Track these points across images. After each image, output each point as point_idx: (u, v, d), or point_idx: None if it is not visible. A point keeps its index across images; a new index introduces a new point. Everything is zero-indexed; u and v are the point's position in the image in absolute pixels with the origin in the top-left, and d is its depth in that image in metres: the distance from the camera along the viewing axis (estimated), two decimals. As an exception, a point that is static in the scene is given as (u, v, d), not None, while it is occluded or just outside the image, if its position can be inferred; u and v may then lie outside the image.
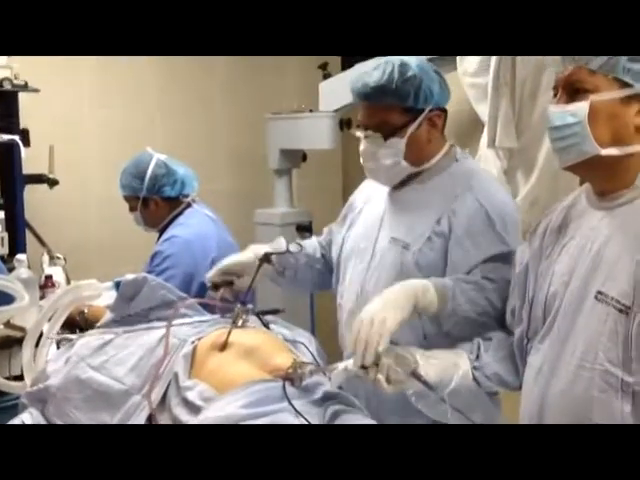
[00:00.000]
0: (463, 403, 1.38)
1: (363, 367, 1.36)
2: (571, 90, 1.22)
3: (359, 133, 1.72)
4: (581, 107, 1.19)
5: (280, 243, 1.88)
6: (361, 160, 1.74)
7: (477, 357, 1.45)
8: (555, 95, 1.26)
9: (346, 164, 4.07)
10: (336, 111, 3.24)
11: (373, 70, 1.67)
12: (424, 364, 1.37)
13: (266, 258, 1.81)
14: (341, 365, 1.39)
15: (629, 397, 1.14)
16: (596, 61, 1.18)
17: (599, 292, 1.20)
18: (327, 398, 1.47)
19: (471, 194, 1.63)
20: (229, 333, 1.60)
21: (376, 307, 1.38)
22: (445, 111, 1.73)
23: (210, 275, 1.90)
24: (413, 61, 1.68)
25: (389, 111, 1.66)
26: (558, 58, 1.27)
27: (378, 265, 1.73)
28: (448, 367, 1.39)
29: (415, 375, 1.34)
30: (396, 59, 1.67)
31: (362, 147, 1.72)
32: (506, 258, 1.55)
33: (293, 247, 1.84)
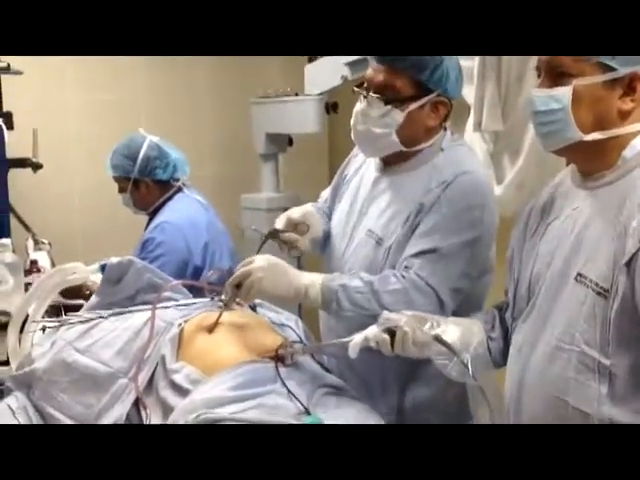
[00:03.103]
0: (475, 371, 1.38)
1: (389, 331, 1.36)
2: (554, 74, 1.21)
3: (360, 90, 1.63)
4: (565, 93, 1.19)
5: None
6: (352, 121, 1.66)
7: (492, 327, 1.45)
8: (538, 76, 1.25)
9: (333, 148, 4.06)
10: (321, 94, 3.23)
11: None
12: (445, 328, 1.37)
13: (273, 234, 1.78)
14: (359, 336, 1.39)
15: (605, 379, 1.15)
16: None
17: (579, 274, 1.20)
18: (315, 379, 1.48)
19: (442, 187, 1.58)
20: (219, 315, 1.60)
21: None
22: (451, 104, 1.65)
23: (280, 224, 1.80)
24: None
25: (400, 77, 1.58)
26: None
27: (351, 255, 1.71)
28: (466, 333, 1.39)
29: (438, 338, 1.35)
30: None
31: (358, 107, 1.64)
32: (436, 251, 1.54)
33: (302, 227, 1.79)
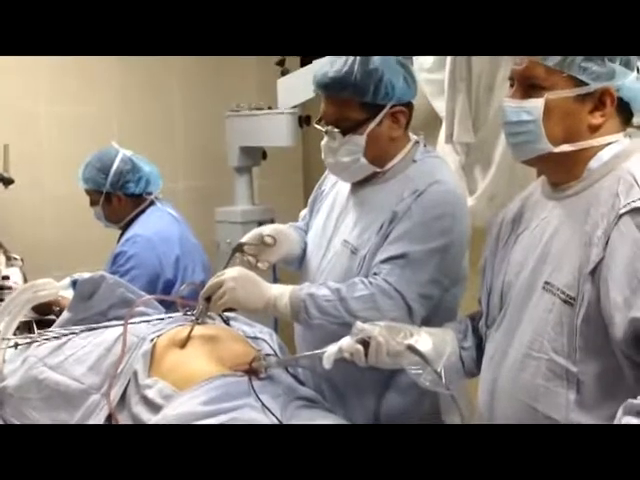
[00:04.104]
0: (448, 380, 1.39)
1: (363, 342, 1.36)
2: (527, 85, 1.23)
3: (320, 127, 1.68)
4: (536, 105, 1.21)
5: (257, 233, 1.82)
6: (322, 155, 1.71)
7: (465, 337, 1.47)
8: (511, 86, 1.27)
9: (307, 161, 4.07)
10: (295, 107, 3.24)
11: (336, 60, 1.61)
12: (418, 338, 1.38)
13: (239, 248, 1.79)
14: (333, 347, 1.39)
15: (574, 386, 1.16)
16: (553, 58, 1.20)
17: (546, 282, 1.22)
18: (289, 392, 1.48)
19: (414, 196, 1.59)
20: (191, 329, 1.59)
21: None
22: (410, 106, 1.68)
23: (246, 238, 1.80)
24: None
25: (348, 105, 1.60)
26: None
27: (327, 266, 1.72)
28: (439, 343, 1.40)
29: (411, 348, 1.35)
30: None
31: (323, 142, 1.68)
32: (404, 257, 1.55)
33: (268, 239, 1.81)
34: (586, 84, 1.19)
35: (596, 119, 1.20)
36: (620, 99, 1.20)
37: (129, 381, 1.49)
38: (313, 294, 1.56)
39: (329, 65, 1.62)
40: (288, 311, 1.57)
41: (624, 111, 1.22)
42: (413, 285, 1.56)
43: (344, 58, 1.61)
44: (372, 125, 1.62)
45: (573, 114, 1.20)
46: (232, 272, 1.59)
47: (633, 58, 1.21)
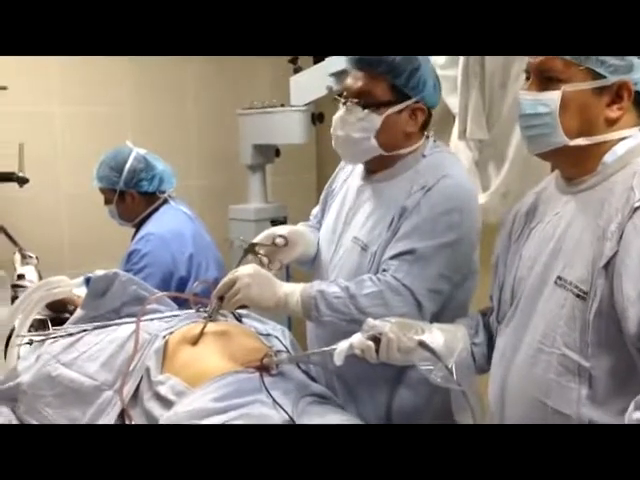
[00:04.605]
0: (459, 376, 1.39)
1: (374, 339, 1.36)
2: (543, 78, 1.22)
3: (339, 98, 1.67)
4: (553, 97, 1.20)
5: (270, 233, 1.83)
6: (332, 128, 1.68)
7: (476, 332, 1.46)
8: (527, 79, 1.26)
9: (320, 159, 4.07)
10: (307, 105, 3.24)
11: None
12: (429, 334, 1.37)
13: (251, 248, 1.79)
14: (344, 344, 1.39)
15: (585, 381, 1.16)
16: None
17: (559, 277, 1.21)
18: (300, 388, 1.48)
19: (423, 191, 1.59)
20: (204, 327, 1.60)
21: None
22: (430, 112, 1.68)
23: (259, 238, 1.81)
24: None
25: (377, 81, 1.60)
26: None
27: (338, 263, 1.72)
28: (451, 339, 1.39)
29: (423, 344, 1.35)
30: None
31: (337, 114, 1.67)
32: (413, 253, 1.55)
33: (279, 240, 1.81)
34: (603, 77, 1.18)
35: (613, 112, 1.19)
36: (638, 93, 1.19)
37: (142, 378, 1.49)
38: (323, 291, 1.56)
39: None
40: (299, 309, 1.57)
41: None
42: (422, 281, 1.55)
43: None
44: (392, 110, 1.61)
45: (590, 107, 1.19)
46: (246, 270, 1.60)
47: None
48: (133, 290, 1.79)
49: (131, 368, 1.50)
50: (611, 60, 1.17)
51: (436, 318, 1.55)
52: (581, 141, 1.20)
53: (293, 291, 1.58)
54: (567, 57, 1.19)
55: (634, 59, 1.17)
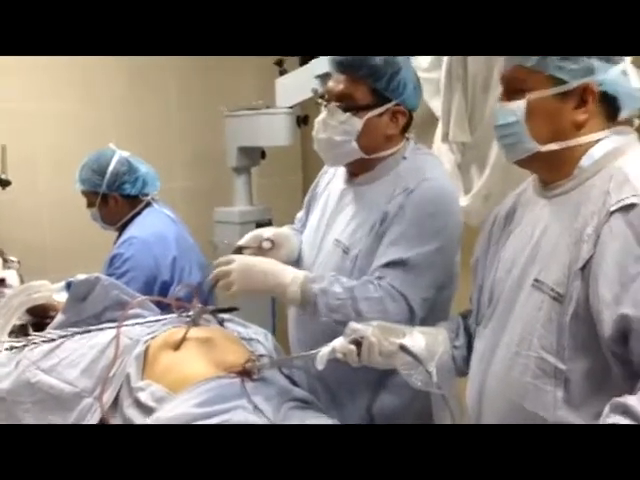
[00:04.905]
0: (440, 380, 1.39)
1: (356, 342, 1.36)
2: (511, 88, 1.25)
3: (322, 100, 1.69)
4: (519, 106, 1.23)
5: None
6: (314, 131, 1.70)
7: (457, 336, 1.47)
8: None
9: (306, 161, 4.06)
10: (293, 107, 3.24)
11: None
12: (410, 338, 1.38)
13: (238, 251, 1.79)
14: (326, 348, 1.40)
15: (561, 384, 1.17)
16: (530, 60, 1.21)
17: (536, 280, 1.22)
18: (282, 393, 1.48)
19: (405, 194, 1.60)
20: (186, 331, 1.59)
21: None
22: (411, 114, 1.69)
23: (245, 240, 1.83)
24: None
25: (358, 85, 1.62)
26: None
27: (320, 265, 1.72)
28: (432, 342, 1.40)
29: (404, 348, 1.36)
30: None
31: (319, 117, 1.68)
32: (406, 262, 1.55)
33: (266, 243, 1.81)
34: (565, 82, 1.19)
35: (580, 116, 1.21)
36: (605, 94, 1.20)
37: (122, 384, 1.48)
38: (326, 291, 1.56)
39: None
40: (297, 301, 1.58)
41: (609, 106, 1.21)
42: (417, 289, 1.57)
43: None
44: (373, 113, 1.63)
45: (556, 113, 1.21)
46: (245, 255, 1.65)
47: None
48: (115, 294, 1.78)
49: (111, 374, 1.49)
50: (569, 65, 1.19)
51: (421, 322, 1.56)
52: (552, 146, 1.23)
53: (293, 281, 1.58)
54: (528, 65, 1.21)
55: (594, 61, 1.19)
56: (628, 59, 1.22)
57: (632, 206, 1.11)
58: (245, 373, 1.48)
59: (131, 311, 1.72)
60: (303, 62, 3.15)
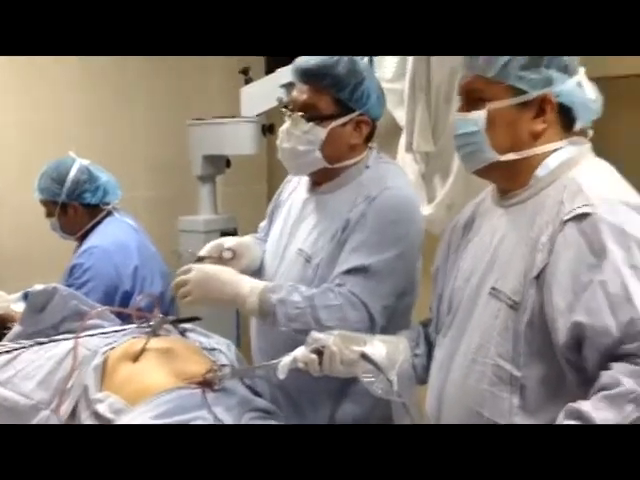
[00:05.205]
0: (400, 388, 1.39)
1: (317, 352, 1.36)
2: (471, 98, 1.27)
3: (285, 110, 1.69)
4: (479, 116, 1.24)
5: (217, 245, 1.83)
6: (278, 140, 1.70)
7: (417, 344, 1.47)
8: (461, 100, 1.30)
9: (271, 170, 4.05)
10: (258, 116, 3.24)
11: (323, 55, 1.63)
12: (371, 346, 1.38)
13: (199, 261, 1.77)
14: (287, 357, 1.39)
15: (517, 390, 1.18)
16: (490, 70, 1.23)
17: (492, 288, 1.24)
18: (243, 404, 1.47)
19: (367, 202, 1.61)
20: (146, 342, 1.57)
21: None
22: (374, 124, 1.70)
23: (206, 250, 1.82)
24: (365, 63, 1.69)
25: (321, 96, 1.63)
26: (463, 64, 1.30)
27: (282, 274, 1.72)
28: (393, 350, 1.41)
29: (365, 356, 1.36)
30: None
31: (283, 126, 1.68)
32: (366, 269, 1.56)
33: (226, 253, 1.80)
34: (525, 92, 1.21)
35: (538, 126, 1.23)
36: (561, 105, 1.22)
37: (80, 396, 1.46)
38: (284, 301, 1.55)
39: (313, 58, 1.64)
40: (256, 312, 1.58)
41: (565, 117, 1.24)
42: (377, 297, 1.57)
43: (329, 56, 1.63)
44: (336, 123, 1.64)
45: (515, 122, 1.23)
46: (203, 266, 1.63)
47: (571, 63, 1.23)
48: (74, 305, 1.75)
49: (69, 386, 1.47)
50: (530, 75, 1.21)
51: (382, 330, 1.56)
52: (511, 156, 1.24)
53: (251, 292, 1.57)
54: (489, 76, 1.23)
55: (553, 72, 1.21)
56: (582, 70, 1.25)
57: (585, 215, 1.13)
58: (206, 383, 1.47)
59: (90, 322, 1.70)
60: (269, 71, 3.16)
